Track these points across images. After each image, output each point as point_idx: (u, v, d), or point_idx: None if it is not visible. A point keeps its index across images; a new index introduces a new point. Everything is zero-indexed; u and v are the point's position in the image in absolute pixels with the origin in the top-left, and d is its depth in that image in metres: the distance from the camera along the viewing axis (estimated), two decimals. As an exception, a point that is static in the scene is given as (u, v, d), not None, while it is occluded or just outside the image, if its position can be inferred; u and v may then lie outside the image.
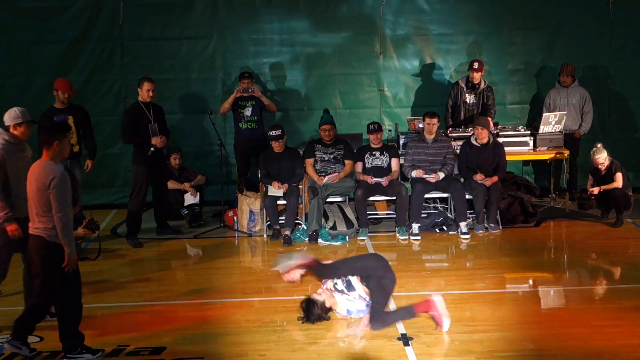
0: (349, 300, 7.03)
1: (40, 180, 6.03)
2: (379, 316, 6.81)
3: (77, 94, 10.18)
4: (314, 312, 6.91)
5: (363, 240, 9.81)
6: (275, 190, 9.94)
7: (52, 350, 6.48)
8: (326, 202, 10.21)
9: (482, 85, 11.08)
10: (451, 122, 11.22)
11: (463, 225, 9.93)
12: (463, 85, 11.13)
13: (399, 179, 10.32)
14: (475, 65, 10.95)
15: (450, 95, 11.24)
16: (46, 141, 6.11)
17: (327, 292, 7.06)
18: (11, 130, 6.85)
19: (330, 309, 7.04)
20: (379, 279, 6.88)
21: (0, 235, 6.81)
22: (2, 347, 6.57)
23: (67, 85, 9.85)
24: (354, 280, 7.03)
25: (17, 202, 6.80)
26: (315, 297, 7.03)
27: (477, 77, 10.98)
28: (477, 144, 10.18)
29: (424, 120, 10.30)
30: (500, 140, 10.52)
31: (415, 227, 9.91)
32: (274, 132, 10.13)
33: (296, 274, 7.08)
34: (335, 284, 7.07)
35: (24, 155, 6.93)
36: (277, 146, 10.15)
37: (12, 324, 6.42)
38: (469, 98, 11.12)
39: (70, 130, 6.29)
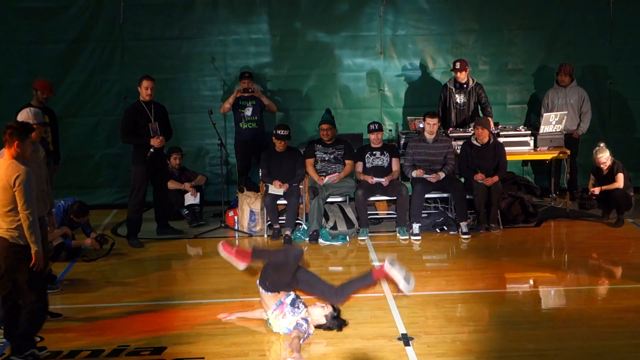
0: (293, 314, 6.71)
1: (4, 178, 5.96)
2: (335, 294, 6.84)
3: (55, 95, 10.20)
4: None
5: (363, 240, 9.80)
6: (276, 189, 9.94)
7: (52, 350, 6.48)
8: (326, 202, 10.21)
9: (471, 84, 11.07)
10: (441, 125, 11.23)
11: (463, 225, 9.93)
12: (451, 87, 11.13)
13: (400, 179, 10.32)
14: (458, 65, 10.96)
15: (440, 97, 11.24)
16: (7, 140, 6.05)
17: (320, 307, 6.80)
18: None
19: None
20: (296, 273, 6.81)
21: None
22: (2, 347, 6.58)
23: (48, 86, 9.90)
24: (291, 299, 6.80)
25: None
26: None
27: (461, 76, 10.99)
28: (477, 144, 10.18)
29: (424, 120, 10.30)
30: (501, 140, 10.52)
31: (415, 227, 9.91)
32: (282, 131, 10.13)
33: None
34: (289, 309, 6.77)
35: (37, 157, 6.88)
36: (280, 145, 10.14)
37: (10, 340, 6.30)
38: (459, 98, 11.12)
39: (32, 132, 6.31)
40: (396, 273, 6.68)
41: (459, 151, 10.40)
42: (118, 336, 6.79)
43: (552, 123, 10.78)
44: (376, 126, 10.29)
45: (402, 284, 6.68)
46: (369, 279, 6.98)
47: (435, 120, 10.16)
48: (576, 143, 11.32)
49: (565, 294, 7.99)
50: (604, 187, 10.13)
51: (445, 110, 11.20)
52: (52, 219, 7.48)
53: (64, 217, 8.96)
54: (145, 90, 9.70)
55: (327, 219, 10.06)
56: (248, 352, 6.42)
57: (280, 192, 9.95)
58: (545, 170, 11.73)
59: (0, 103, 11.31)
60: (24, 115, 6.87)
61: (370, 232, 10.05)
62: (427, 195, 10.24)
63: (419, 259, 9.27)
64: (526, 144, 10.82)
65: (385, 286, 7.97)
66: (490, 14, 11.96)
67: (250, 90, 10.88)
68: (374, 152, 10.27)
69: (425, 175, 10.04)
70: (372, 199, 10.30)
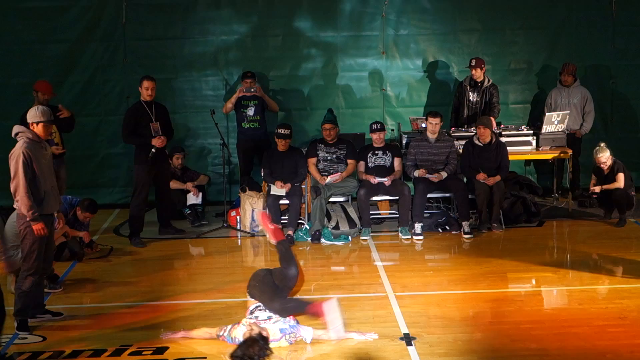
0: (275, 322, 6.56)
1: None
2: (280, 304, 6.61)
3: (56, 96, 10.20)
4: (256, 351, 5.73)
5: (366, 240, 9.81)
6: (278, 189, 9.95)
7: (54, 350, 6.51)
8: (329, 202, 10.21)
9: (486, 83, 11.08)
10: (454, 122, 11.26)
11: (466, 225, 9.92)
12: (466, 84, 11.15)
13: (402, 179, 10.32)
14: (473, 62, 10.98)
15: (455, 95, 11.26)
16: None
17: (255, 325, 6.45)
18: (31, 127, 6.90)
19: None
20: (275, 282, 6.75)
21: (29, 233, 6.81)
22: (5, 346, 6.59)
23: (49, 87, 9.90)
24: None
25: (45, 199, 6.87)
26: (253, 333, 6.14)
27: (477, 74, 10.99)
28: (479, 144, 10.17)
29: (426, 119, 10.30)
30: (503, 139, 10.51)
31: (417, 226, 9.91)
32: (283, 130, 10.15)
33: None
34: (257, 316, 6.61)
35: (46, 153, 6.98)
36: (282, 145, 10.15)
37: None
38: (472, 96, 11.12)
39: None
40: (333, 316, 6.44)
41: (461, 151, 10.40)
42: (120, 335, 6.80)
43: (554, 123, 10.78)
44: (378, 126, 10.30)
45: (334, 327, 6.44)
46: (304, 308, 6.66)
47: (437, 120, 10.16)
48: (579, 143, 11.32)
49: (567, 294, 7.98)
50: (604, 187, 10.14)
51: (458, 107, 11.22)
52: (61, 215, 7.51)
53: (68, 209, 8.97)
54: (145, 91, 9.71)
55: (329, 219, 10.07)
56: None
57: (282, 192, 9.96)
58: (548, 170, 11.71)
59: (3, 103, 11.33)
60: (32, 113, 6.91)
61: (372, 232, 10.05)
62: (429, 195, 10.24)
63: (421, 259, 9.27)
64: (528, 143, 10.81)
65: (387, 286, 7.98)
66: (492, 13, 11.94)
67: (252, 90, 10.88)
68: (376, 152, 10.27)
69: (427, 175, 10.04)
70: (374, 198, 10.30)
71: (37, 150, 6.83)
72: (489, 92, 11.10)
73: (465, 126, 11.04)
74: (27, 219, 6.75)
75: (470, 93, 11.14)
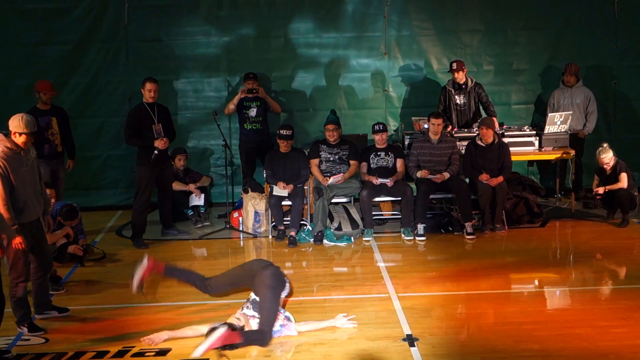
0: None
1: None
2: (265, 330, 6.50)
3: (57, 94, 10.22)
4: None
5: (368, 240, 9.81)
6: (280, 190, 9.95)
7: (57, 352, 6.51)
8: (331, 203, 10.21)
9: (470, 84, 11.06)
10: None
11: (468, 226, 9.92)
12: (450, 88, 11.12)
13: (404, 180, 10.31)
14: (454, 65, 10.97)
15: (440, 99, 11.23)
16: None
17: (245, 317, 6.61)
18: (12, 137, 6.76)
19: None
20: (258, 281, 6.66)
21: (10, 245, 6.74)
22: (9, 347, 6.60)
23: (49, 86, 9.97)
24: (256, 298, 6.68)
25: (25, 208, 6.79)
26: (234, 321, 6.53)
27: (459, 77, 10.98)
28: (482, 144, 10.16)
29: (429, 120, 10.29)
30: (506, 140, 10.51)
31: (420, 227, 9.90)
32: (284, 131, 10.16)
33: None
34: (247, 307, 6.67)
35: (27, 159, 6.86)
36: (284, 146, 10.16)
37: None
38: (459, 99, 11.11)
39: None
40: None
41: (463, 151, 10.40)
42: (123, 337, 6.80)
43: (557, 123, 10.77)
44: (381, 127, 10.30)
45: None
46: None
47: (439, 121, 10.16)
48: (582, 143, 11.31)
49: (570, 295, 7.97)
50: (608, 187, 10.13)
51: (446, 112, 11.20)
52: (49, 219, 7.43)
53: (55, 218, 8.93)
54: (148, 93, 9.71)
55: (331, 220, 10.07)
56: (253, 352, 6.42)
57: (284, 193, 9.97)
58: (550, 171, 11.71)
59: (5, 105, 11.28)
60: (15, 123, 6.75)
61: (374, 233, 10.04)
62: (431, 196, 10.24)
63: (424, 260, 9.26)
64: (531, 144, 10.81)
65: (390, 287, 7.98)
66: (494, 14, 11.94)
67: (254, 91, 10.89)
68: (379, 153, 10.28)
69: (430, 176, 10.03)
70: (376, 199, 10.30)
71: (15, 159, 6.71)
72: (475, 93, 11.08)
73: (457, 128, 11.03)
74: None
75: (456, 96, 11.11)
